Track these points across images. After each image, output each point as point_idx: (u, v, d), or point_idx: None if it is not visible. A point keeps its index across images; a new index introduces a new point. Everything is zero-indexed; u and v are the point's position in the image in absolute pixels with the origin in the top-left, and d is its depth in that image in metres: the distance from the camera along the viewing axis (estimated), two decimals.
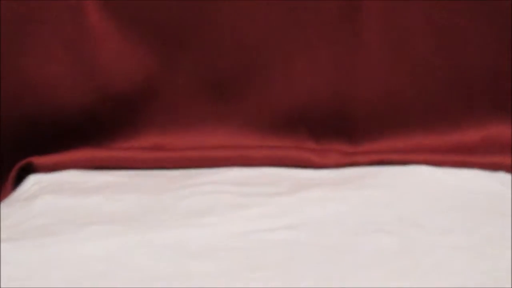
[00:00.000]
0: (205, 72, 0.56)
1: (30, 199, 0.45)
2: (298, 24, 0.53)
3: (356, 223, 0.39)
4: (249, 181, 0.49)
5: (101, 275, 0.32)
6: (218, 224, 0.39)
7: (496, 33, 0.52)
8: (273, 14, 0.53)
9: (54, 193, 0.46)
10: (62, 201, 0.44)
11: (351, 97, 0.54)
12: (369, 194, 0.44)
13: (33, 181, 0.50)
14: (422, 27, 0.52)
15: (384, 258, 0.35)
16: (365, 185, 0.46)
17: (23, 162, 0.52)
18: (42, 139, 0.55)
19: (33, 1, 0.51)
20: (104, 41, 0.54)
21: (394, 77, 0.54)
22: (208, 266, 0.33)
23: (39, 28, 0.52)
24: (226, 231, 0.38)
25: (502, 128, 0.57)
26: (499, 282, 0.33)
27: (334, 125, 0.55)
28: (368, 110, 0.54)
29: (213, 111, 0.57)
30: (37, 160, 0.52)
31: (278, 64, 0.54)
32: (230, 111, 0.54)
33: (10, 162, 0.53)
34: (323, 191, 0.45)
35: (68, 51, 0.53)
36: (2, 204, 0.46)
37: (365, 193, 0.44)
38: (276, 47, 0.54)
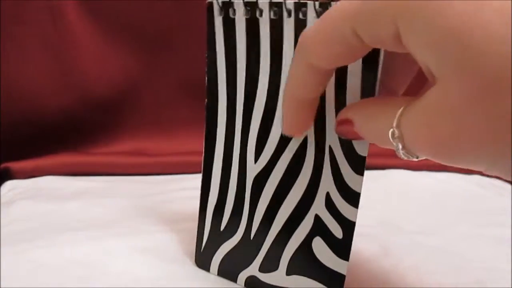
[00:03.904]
0: (187, 76, 0.56)
1: (6, 205, 0.44)
2: None
3: None
4: None
5: (80, 280, 0.31)
6: None
7: None
8: None
9: (31, 199, 0.45)
10: (39, 207, 0.43)
11: None
12: None
13: (9, 187, 0.49)
14: None
15: (365, 260, 0.35)
16: None
17: None
18: (19, 144, 0.54)
19: (12, 1, 0.50)
20: (84, 43, 0.53)
21: None
22: (189, 271, 0.33)
23: (17, 29, 0.51)
24: None
25: None
26: (477, 281, 0.33)
27: None
28: None
29: (195, 115, 0.57)
30: (14, 165, 0.51)
31: None
32: None
33: None
34: None
35: (47, 54, 0.52)
36: None
37: None
38: None
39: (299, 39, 0.22)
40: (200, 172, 0.53)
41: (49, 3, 0.51)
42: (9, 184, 0.50)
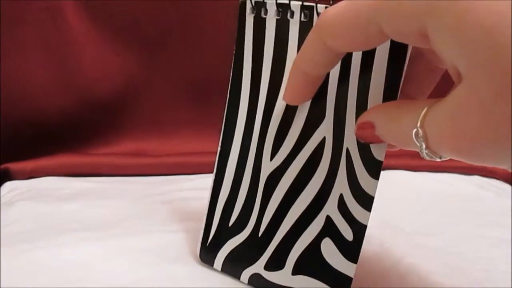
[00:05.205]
0: (187, 77, 0.56)
1: (6, 206, 0.44)
2: None
3: None
4: None
5: (80, 281, 0.31)
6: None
7: None
8: None
9: (31, 200, 0.45)
10: (39, 207, 0.43)
11: None
12: None
13: (9, 188, 0.49)
14: None
15: (365, 260, 0.35)
16: None
17: None
18: (19, 144, 0.54)
19: (12, 1, 0.50)
20: (84, 44, 0.53)
21: None
22: (190, 271, 0.33)
23: (17, 29, 0.51)
24: None
25: None
26: (477, 282, 0.33)
27: None
28: None
29: (195, 116, 0.57)
30: (13, 166, 0.51)
31: None
32: (212, 117, 0.54)
33: None
34: None
35: (47, 54, 0.52)
36: None
37: None
38: None
39: (319, 16, 0.22)
40: (200, 173, 0.54)
41: (49, 3, 0.51)
42: (8, 185, 0.50)
